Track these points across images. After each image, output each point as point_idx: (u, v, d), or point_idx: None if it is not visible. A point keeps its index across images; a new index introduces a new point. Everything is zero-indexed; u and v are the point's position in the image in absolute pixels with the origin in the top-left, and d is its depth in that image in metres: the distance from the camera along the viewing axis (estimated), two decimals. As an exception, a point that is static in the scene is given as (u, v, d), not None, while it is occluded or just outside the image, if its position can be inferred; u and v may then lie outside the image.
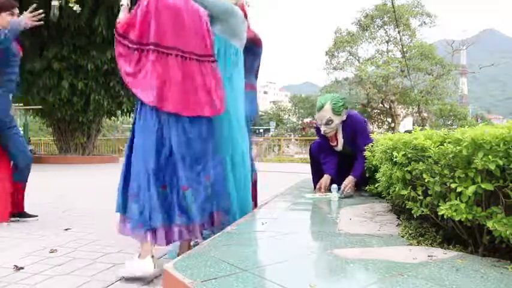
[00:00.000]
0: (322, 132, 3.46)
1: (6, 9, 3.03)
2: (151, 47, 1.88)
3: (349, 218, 2.31)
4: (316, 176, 3.61)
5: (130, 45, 1.89)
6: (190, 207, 1.89)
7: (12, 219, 3.13)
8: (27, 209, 3.26)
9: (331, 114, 3.34)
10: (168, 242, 1.89)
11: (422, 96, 28.17)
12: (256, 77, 3.00)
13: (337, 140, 3.50)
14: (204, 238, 2.01)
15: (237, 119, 2.32)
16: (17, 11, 3.09)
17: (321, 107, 3.35)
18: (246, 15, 2.58)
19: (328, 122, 3.36)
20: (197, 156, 1.95)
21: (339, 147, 3.51)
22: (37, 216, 3.24)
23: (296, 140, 26.24)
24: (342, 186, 3.19)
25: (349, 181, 3.23)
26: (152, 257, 1.80)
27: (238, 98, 2.37)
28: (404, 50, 26.68)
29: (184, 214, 1.89)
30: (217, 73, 2.07)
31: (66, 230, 2.84)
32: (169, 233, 1.87)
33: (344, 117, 3.40)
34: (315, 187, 3.59)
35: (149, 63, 1.87)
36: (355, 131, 3.41)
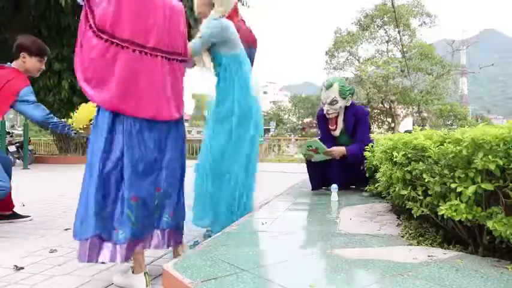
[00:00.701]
0: (324, 112, 3.51)
1: (39, 55, 2.98)
2: (105, 37, 1.63)
3: (349, 218, 2.31)
4: (314, 177, 3.59)
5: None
6: (134, 221, 1.66)
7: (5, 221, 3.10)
8: (28, 208, 3.26)
9: (337, 95, 3.41)
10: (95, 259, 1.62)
11: (422, 96, 28.15)
12: None
13: (336, 124, 3.53)
14: (209, 236, 2.01)
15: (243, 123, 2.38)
16: (45, 59, 3.04)
17: (330, 86, 3.43)
18: (254, 40, 2.82)
19: (333, 102, 3.43)
20: (150, 164, 1.74)
21: (337, 133, 3.54)
22: (30, 216, 3.22)
23: (296, 140, 26.25)
24: (331, 149, 3.37)
25: (339, 149, 3.36)
26: (146, 273, 1.69)
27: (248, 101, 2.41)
28: (404, 50, 26.67)
29: (124, 229, 1.64)
30: (181, 75, 1.90)
31: (66, 230, 2.84)
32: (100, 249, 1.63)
33: (348, 103, 3.46)
34: (312, 187, 3.59)
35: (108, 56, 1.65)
36: (357, 121, 3.45)
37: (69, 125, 2.98)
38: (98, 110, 1.69)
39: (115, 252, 1.62)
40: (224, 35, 2.32)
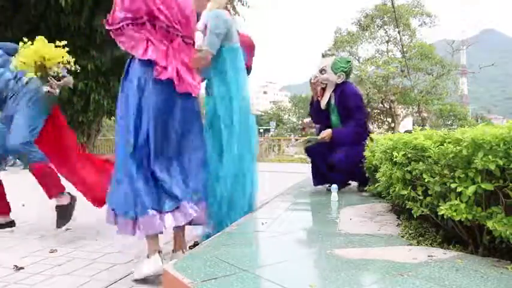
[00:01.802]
0: (312, 79, 3.56)
1: None
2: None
3: (349, 218, 2.31)
4: (316, 174, 3.59)
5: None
6: (173, 188, 1.85)
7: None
8: (28, 208, 3.26)
9: (328, 67, 3.45)
10: (159, 230, 1.81)
11: (422, 96, 28.14)
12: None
13: (322, 96, 3.55)
14: (208, 236, 2.01)
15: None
16: None
17: (324, 56, 3.53)
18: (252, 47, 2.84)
19: (322, 72, 3.48)
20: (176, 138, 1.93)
21: (323, 105, 3.55)
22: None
23: (296, 140, 26.25)
24: (320, 135, 3.42)
25: (327, 132, 3.40)
26: (159, 252, 1.78)
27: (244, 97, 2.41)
28: (404, 50, 26.65)
29: (170, 197, 1.85)
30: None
31: (66, 230, 2.84)
32: (161, 220, 1.81)
33: (339, 81, 3.46)
34: (314, 184, 3.60)
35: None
36: (345, 99, 3.43)
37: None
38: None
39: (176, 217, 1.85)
40: (228, 27, 2.31)
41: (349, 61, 3.59)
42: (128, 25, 1.83)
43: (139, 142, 1.81)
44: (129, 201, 1.75)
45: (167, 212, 1.81)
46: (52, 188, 2.79)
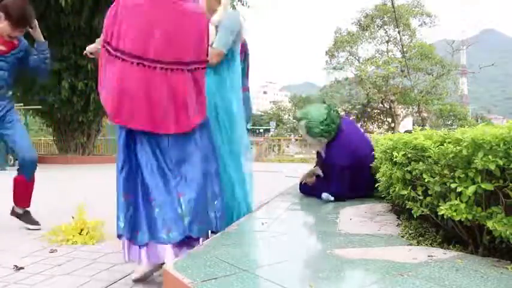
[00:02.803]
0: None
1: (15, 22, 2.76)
2: (118, 54, 1.68)
3: (349, 218, 2.31)
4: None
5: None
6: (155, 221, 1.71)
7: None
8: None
9: (304, 133, 2.98)
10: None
11: (422, 96, 28.17)
12: (247, 77, 3.04)
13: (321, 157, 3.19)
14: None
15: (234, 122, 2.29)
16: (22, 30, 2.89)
17: (298, 120, 2.97)
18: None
19: (304, 139, 3.09)
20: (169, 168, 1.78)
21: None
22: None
23: (296, 140, 26.25)
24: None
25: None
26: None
27: (236, 99, 2.33)
28: (404, 50, 26.68)
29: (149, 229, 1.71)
30: (192, 83, 1.82)
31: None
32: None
33: (323, 145, 2.99)
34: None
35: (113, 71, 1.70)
36: (329, 171, 3.00)
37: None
38: None
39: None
40: (240, 28, 2.26)
41: (325, 119, 2.81)
42: None
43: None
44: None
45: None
46: (21, 200, 3.02)
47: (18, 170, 3.01)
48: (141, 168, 1.75)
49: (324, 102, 3.08)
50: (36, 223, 2.94)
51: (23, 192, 3.03)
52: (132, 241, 1.72)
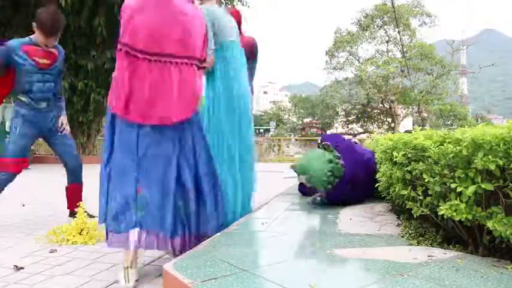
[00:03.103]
0: None
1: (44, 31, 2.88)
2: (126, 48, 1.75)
3: (349, 218, 2.31)
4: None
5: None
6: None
7: None
8: (28, 208, 3.26)
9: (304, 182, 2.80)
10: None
11: (422, 96, 28.17)
12: (252, 79, 3.05)
13: None
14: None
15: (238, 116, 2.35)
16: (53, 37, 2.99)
17: (298, 174, 2.76)
18: (240, 22, 2.67)
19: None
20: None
21: None
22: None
23: (296, 140, 26.24)
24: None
25: None
26: (129, 267, 1.70)
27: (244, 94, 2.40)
28: (404, 50, 26.68)
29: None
30: (192, 77, 1.86)
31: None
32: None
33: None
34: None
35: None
36: None
37: None
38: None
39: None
40: (216, 21, 2.28)
41: (329, 170, 2.56)
42: None
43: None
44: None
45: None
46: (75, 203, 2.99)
47: (67, 178, 3.23)
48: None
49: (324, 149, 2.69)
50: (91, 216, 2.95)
51: (78, 196, 3.23)
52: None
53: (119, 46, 1.77)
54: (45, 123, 2.96)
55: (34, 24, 2.85)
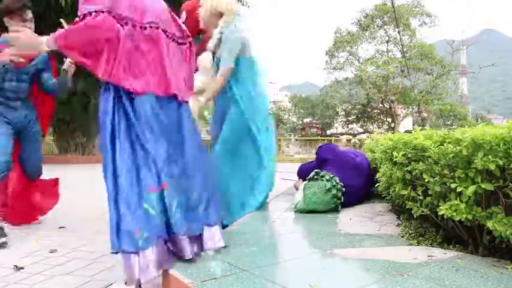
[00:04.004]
0: None
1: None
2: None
3: (349, 218, 2.31)
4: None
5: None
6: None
7: None
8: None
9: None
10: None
11: (422, 96, 28.16)
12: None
13: None
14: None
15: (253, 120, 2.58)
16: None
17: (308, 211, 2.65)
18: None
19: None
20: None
21: None
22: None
23: (296, 140, 26.24)
24: None
25: None
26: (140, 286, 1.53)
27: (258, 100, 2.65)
28: (404, 50, 26.67)
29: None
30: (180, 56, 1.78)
31: (61, 228, 2.85)
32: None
33: None
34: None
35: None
36: None
37: None
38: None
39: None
40: (245, 43, 2.54)
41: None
42: None
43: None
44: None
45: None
46: None
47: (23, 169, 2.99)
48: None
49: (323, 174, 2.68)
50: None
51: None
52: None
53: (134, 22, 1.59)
54: (19, 121, 2.84)
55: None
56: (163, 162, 1.54)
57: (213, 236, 1.58)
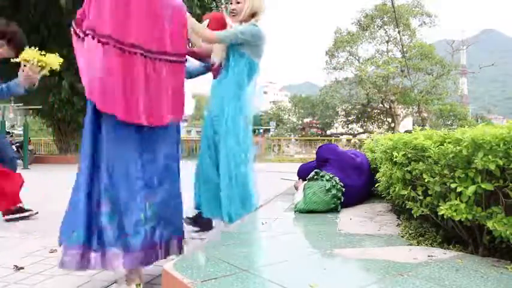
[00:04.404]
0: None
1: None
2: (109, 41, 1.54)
3: (349, 218, 2.31)
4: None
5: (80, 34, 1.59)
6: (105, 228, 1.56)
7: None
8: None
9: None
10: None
11: (422, 96, 28.17)
12: None
13: None
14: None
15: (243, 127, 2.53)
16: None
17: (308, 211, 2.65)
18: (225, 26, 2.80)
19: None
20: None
21: None
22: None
23: (296, 140, 26.24)
24: None
25: None
26: (138, 285, 1.61)
27: (248, 105, 2.59)
28: (404, 50, 26.67)
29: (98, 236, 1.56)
30: (168, 75, 1.71)
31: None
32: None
33: None
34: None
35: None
36: None
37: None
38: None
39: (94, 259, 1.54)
40: (259, 42, 2.54)
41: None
42: None
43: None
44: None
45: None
46: None
47: None
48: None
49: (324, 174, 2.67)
50: None
51: None
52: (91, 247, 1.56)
53: (100, 38, 1.55)
54: None
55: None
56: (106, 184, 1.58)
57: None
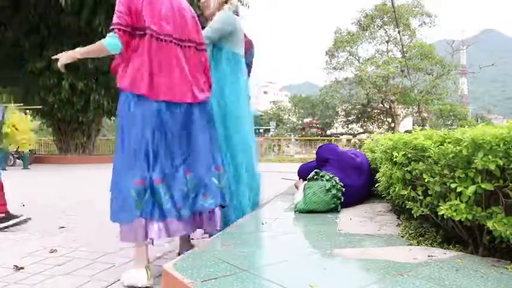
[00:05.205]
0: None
1: None
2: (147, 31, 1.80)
3: (349, 218, 2.31)
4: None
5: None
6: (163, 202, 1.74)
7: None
8: (28, 208, 3.26)
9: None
10: (146, 238, 1.72)
11: (422, 96, 28.17)
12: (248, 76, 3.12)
13: None
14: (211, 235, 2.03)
15: (237, 116, 2.43)
16: None
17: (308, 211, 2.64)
18: (250, 42, 2.83)
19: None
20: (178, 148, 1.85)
21: None
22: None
23: (296, 140, 26.25)
24: None
25: None
26: (147, 266, 1.72)
27: (242, 98, 2.50)
28: (404, 50, 26.66)
29: (158, 209, 1.74)
30: (204, 61, 2.03)
31: (61, 227, 2.84)
32: (148, 229, 1.71)
33: None
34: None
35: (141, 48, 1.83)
36: None
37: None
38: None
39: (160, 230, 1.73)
40: (230, 27, 2.44)
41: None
42: None
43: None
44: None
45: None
46: None
47: None
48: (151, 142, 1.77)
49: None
50: None
51: None
52: (151, 219, 1.73)
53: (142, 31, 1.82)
54: None
55: None
56: (160, 158, 1.78)
57: (209, 220, 1.91)
